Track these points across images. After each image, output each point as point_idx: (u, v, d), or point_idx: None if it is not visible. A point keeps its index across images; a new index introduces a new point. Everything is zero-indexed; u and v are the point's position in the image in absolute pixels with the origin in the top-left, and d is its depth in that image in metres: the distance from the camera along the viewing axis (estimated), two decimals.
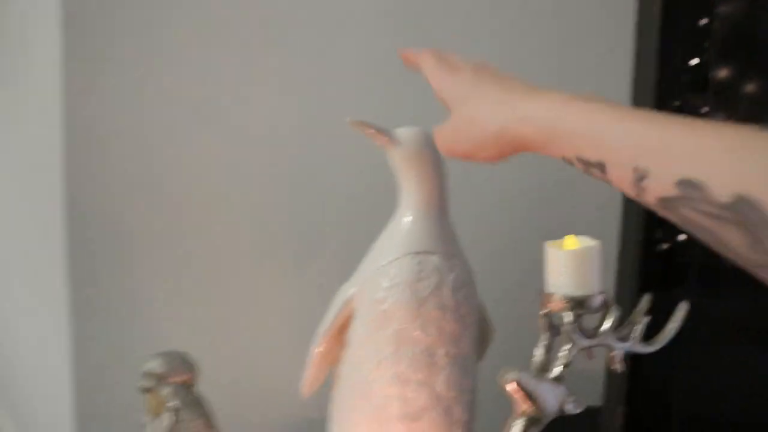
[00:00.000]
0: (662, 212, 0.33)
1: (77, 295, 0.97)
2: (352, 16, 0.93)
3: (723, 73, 0.59)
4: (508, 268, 0.91)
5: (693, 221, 0.31)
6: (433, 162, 0.60)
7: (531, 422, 0.47)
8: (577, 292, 0.47)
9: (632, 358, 0.61)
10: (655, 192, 0.32)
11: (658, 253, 0.60)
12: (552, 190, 0.90)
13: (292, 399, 0.93)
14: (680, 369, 0.62)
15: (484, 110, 0.43)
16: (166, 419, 0.67)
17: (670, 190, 0.31)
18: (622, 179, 0.34)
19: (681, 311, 0.51)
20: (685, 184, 0.30)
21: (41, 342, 1.18)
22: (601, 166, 0.35)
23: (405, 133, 0.59)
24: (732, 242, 0.30)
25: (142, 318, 0.97)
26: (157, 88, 0.92)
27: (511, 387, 0.46)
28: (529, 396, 0.46)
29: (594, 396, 0.74)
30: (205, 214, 0.94)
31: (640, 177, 0.33)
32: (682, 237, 0.61)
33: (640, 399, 0.62)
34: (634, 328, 0.49)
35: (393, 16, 0.93)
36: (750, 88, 0.59)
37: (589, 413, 0.72)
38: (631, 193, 0.34)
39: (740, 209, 0.28)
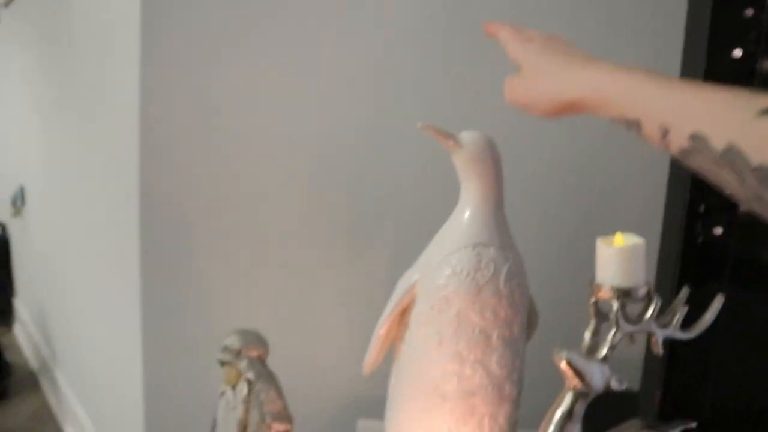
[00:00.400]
0: (684, 162, 0.40)
1: (148, 284, 1.06)
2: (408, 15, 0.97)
3: None
4: (554, 260, 0.96)
5: (702, 168, 0.39)
6: (493, 163, 0.66)
7: (579, 396, 0.53)
8: (624, 284, 0.53)
9: (670, 346, 0.66)
10: (675, 144, 0.40)
11: (697, 248, 0.65)
12: (602, 188, 0.95)
13: (349, 376, 1.01)
14: (714, 357, 0.67)
15: (549, 71, 0.50)
16: (243, 389, 0.74)
17: (685, 143, 0.39)
18: (652, 135, 0.42)
19: (717, 303, 0.56)
20: (695, 137, 0.38)
21: (115, 331, 1.27)
22: (638, 125, 0.43)
23: (468, 136, 0.66)
24: (728, 183, 0.38)
25: (207, 305, 1.05)
26: (221, 91, 0.99)
27: (563, 364, 0.52)
28: (578, 373, 0.52)
29: (633, 381, 0.79)
30: (269, 205, 1.02)
31: (664, 132, 0.41)
32: (718, 232, 0.65)
33: (675, 384, 0.67)
34: (674, 316, 0.55)
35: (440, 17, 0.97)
36: None
37: (628, 396, 0.78)
38: (660, 146, 0.42)
39: (729, 156, 0.36)
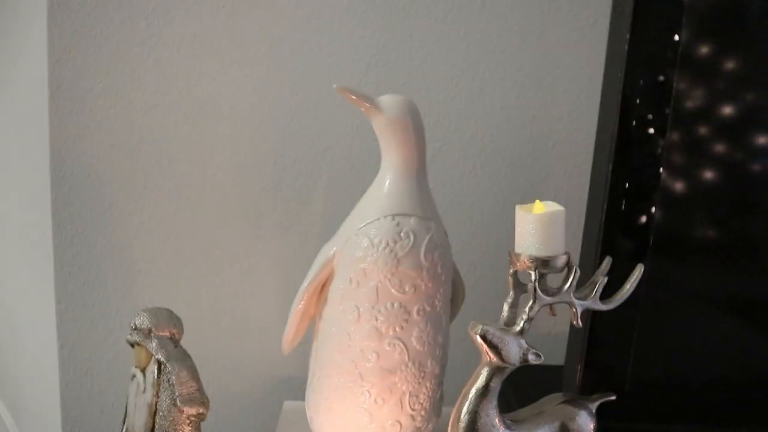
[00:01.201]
0: None
1: (61, 254, 0.99)
2: None
3: (700, 49, 0.61)
4: (482, 233, 0.95)
5: None
6: (414, 129, 0.63)
7: (495, 370, 0.51)
8: (542, 253, 0.51)
9: (591, 320, 0.65)
10: None
11: (620, 220, 0.64)
12: (526, 159, 0.94)
13: (274, 356, 0.97)
14: (636, 331, 0.66)
15: None
16: (154, 371, 0.70)
17: None
18: None
19: (637, 273, 0.55)
20: None
21: (28, 300, 1.20)
22: None
23: (387, 100, 0.62)
24: None
25: (125, 276, 1.00)
26: (140, 44, 0.93)
27: (477, 337, 0.50)
28: (494, 347, 0.50)
29: (561, 356, 0.79)
30: (190, 174, 0.96)
31: None
32: (644, 207, 0.64)
33: (597, 358, 0.67)
34: (593, 287, 0.54)
35: None
36: (729, 65, 0.61)
37: (556, 371, 0.77)
38: None
39: None
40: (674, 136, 0.61)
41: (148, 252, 0.98)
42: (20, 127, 1.13)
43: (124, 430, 0.73)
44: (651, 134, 0.61)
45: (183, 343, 0.72)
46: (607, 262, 0.57)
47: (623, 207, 0.63)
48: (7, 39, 1.15)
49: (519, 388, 0.75)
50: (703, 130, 0.62)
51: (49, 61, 0.93)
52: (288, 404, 0.86)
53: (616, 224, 0.64)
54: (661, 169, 0.61)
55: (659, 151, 0.61)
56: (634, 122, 0.61)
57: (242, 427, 1.02)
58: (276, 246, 0.96)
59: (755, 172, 0.63)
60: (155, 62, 0.93)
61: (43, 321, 1.08)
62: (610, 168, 0.61)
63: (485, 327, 0.50)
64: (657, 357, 0.67)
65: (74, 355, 1.04)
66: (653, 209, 0.64)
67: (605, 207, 0.61)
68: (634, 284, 0.55)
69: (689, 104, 0.61)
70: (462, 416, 0.50)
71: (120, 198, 0.97)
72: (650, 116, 0.61)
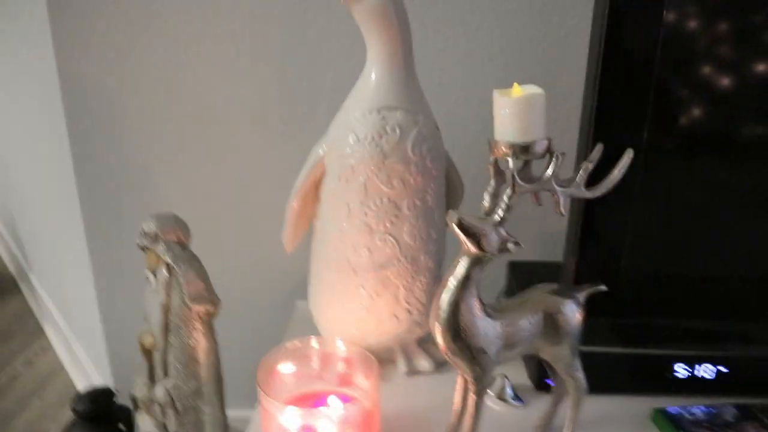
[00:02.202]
0: None
1: (81, 167, 1.02)
2: None
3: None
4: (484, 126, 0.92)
5: None
6: (397, 17, 0.60)
7: (475, 260, 0.51)
8: (521, 139, 0.49)
9: (585, 213, 0.64)
10: None
11: (613, 106, 0.60)
12: (536, 48, 0.89)
13: (286, 259, 1.00)
14: (630, 224, 0.64)
15: None
16: (163, 273, 0.73)
17: None
18: None
19: (625, 158, 0.52)
20: None
21: (64, 232, 1.25)
22: None
23: None
24: None
25: (142, 188, 1.02)
26: None
27: (454, 226, 0.49)
28: (472, 235, 0.49)
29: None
30: (197, 83, 0.96)
31: None
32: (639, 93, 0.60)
33: (590, 251, 0.65)
34: (577, 174, 0.52)
35: None
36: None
37: (558, 267, 0.76)
38: None
39: None
40: (671, 17, 0.57)
41: (162, 164, 1.00)
42: (25, 47, 1.14)
43: (146, 328, 0.77)
44: (647, 13, 0.57)
45: (199, 247, 0.74)
46: (597, 149, 0.54)
47: (616, 93, 0.60)
48: None
49: (526, 285, 0.75)
50: (703, 10, 0.58)
51: None
52: (300, 303, 0.89)
53: (608, 111, 0.60)
54: (658, 52, 0.57)
55: (656, 33, 0.57)
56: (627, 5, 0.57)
57: (258, 327, 1.07)
58: (283, 151, 0.96)
59: (758, 57, 0.59)
60: None
61: (74, 232, 1.14)
62: (602, 50, 0.57)
63: (462, 216, 0.49)
64: (651, 251, 0.65)
65: (105, 264, 1.09)
66: (649, 95, 0.60)
67: (597, 93, 0.58)
68: (623, 170, 0.52)
69: None
70: (442, 306, 0.50)
71: (130, 112, 0.98)
72: None
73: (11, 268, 2.22)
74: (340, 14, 0.89)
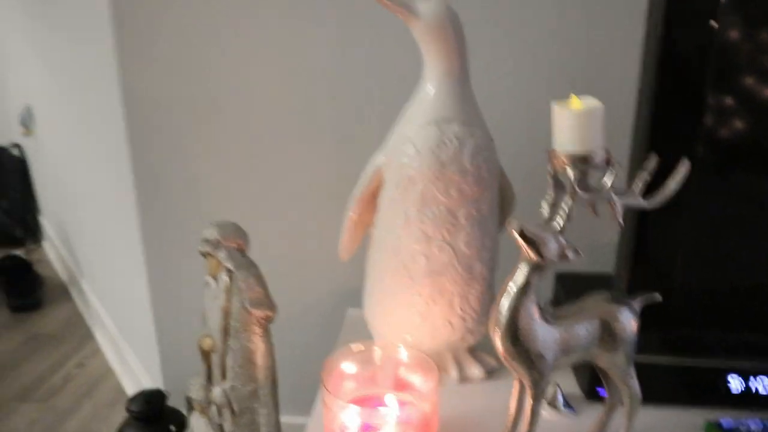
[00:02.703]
0: None
1: (142, 192, 1.07)
2: None
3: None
4: (535, 136, 0.93)
5: None
6: (454, 34, 0.62)
7: (535, 267, 0.52)
8: (580, 150, 0.51)
9: (639, 224, 0.64)
10: None
11: (669, 118, 0.61)
12: (582, 58, 0.90)
13: (339, 267, 1.02)
14: (685, 236, 0.65)
15: None
16: (224, 278, 0.76)
17: None
18: None
19: (682, 169, 0.53)
20: None
21: (120, 239, 1.30)
22: None
23: (426, 6, 0.62)
24: None
25: (200, 199, 1.06)
26: None
27: (515, 234, 0.51)
28: (532, 243, 0.51)
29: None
30: (251, 100, 1.00)
31: None
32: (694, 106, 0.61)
33: (644, 263, 0.66)
34: (635, 183, 0.53)
35: None
36: None
37: (605, 279, 0.77)
38: None
39: None
40: (723, 29, 0.58)
41: (218, 174, 1.04)
42: (89, 62, 1.19)
43: (204, 332, 0.80)
44: (700, 24, 0.58)
45: (254, 255, 0.77)
46: (653, 159, 0.56)
47: (671, 104, 0.61)
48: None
49: (573, 296, 0.75)
50: (757, 28, 0.58)
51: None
52: (351, 311, 0.91)
53: (662, 122, 0.61)
54: (711, 63, 0.58)
55: (708, 44, 0.58)
56: (682, 13, 0.58)
57: (310, 333, 1.09)
58: (335, 161, 0.99)
59: None
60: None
61: (130, 240, 1.18)
62: (656, 61, 0.58)
63: (523, 224, 0.51)
64: (704, 263, 0.65)
65: (161, 271, 1.13)
66: (703, 106, 0.61)
67: (652, 104, 0.59)
68: (679, 181, 0.53)
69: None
70: (502, 311, 0.52)
71: (186, 124, 1.02)
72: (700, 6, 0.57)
73: (62, 274, 2.29)
74: (390, 26, 0.91)
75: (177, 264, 1.12)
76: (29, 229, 2.55)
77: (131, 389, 1.48)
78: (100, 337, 1.81)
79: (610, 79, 0.90)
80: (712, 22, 0.58)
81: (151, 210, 1.08)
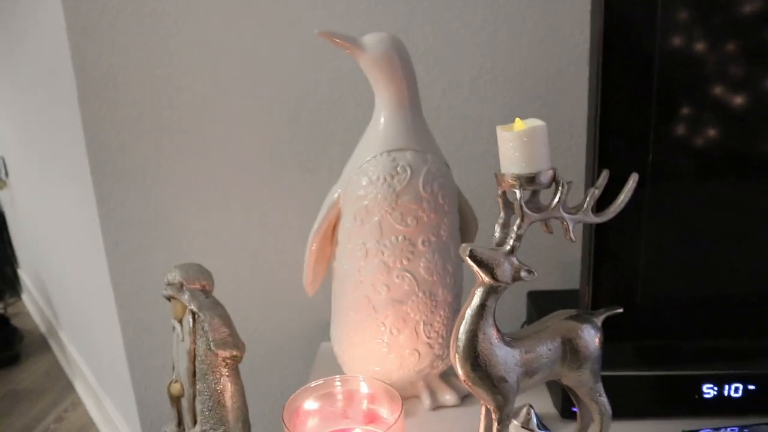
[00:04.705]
0: None
1: (106, 222, 1.06)
2: None
3: None
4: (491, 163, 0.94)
5: None
6: (401, 64, 0.63)
7: (490, 290, 0.52)
8: (525, 170, 0.51)
9: (596, 239, 0.65)
10: None
11: (619, 136, 0.62)
12: (537, 85, 0.92)
13: (310, 301, 1.01)
14: (644, 247, 0.65)
15: None
16: (189, 321, 0.75)
17: None
18: None
19: (631, 182, 0.54)
20: None
21: (86, 268, 1.28)
22: None
23: (370, 39, 0.62)
24: None
25: (166, 238, 1.05)
26: (150, 15, 0.95)
27: (467, 257, 0.51)
28: (485, 266, 0.51)
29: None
30: (212, 134, 1.00)
31: None
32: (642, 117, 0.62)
33: (605, 277, 0.66)
34: (584, 201, 0.53)
35: None
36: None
37: (574, 295, 0.77)
38: None
39: None
40: (666, 38, 0.59)
41: (184, 214, 1.03)
42: (51, 107, 1.19)
43: (174, 377, 0.79)
44: (644, 37, 0.59)
45: (224, 296, 0.76)
46: (603, 175, 0.56)
47: (618, 118, 0.61)
48: (24, 27, 1.20)
49: (544, 313, 0.75)
50: (703, 32, 0.59)
51: (70, 44, 0.97)
52: (325, 345, 0.90)
53: (612, 137, 0.62)
54: (655, 74, 0.59)
55: (652, 55, 0.59)
56: (624, 26, 0.59)
57: (285, 370, 1.08)
58: (301, 197, 0.99)
59: (760, 72, 0.60)
60: (164, 33, 0.95)
61: (101, 287, 1.17)
62: (600, 78, 0.59)
63: (473, 248, 0.51)
64: (667, 272, 0.66)
65: (132, 317, 1.11)
66: (650, 118, 0.61)
67: (599, 120, 0.60)
68: (629, 194, 0.54)
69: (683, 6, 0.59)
70: (459, 336, 0.52)
71: (152, 165, 1.02)
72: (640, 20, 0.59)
73: (41, 326, 2.26)
74: (347, 63, 0.92)
75: (148, 309, 1.10)
76: (8, 282, 2.52)
77: None
78: (80, 388, 1.78)
79: (569, 98, 0.92)
80: (653, 42, 0.59)
81: (119, 255, 1.07)
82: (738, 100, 0.61)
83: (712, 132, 0.63)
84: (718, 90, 0.61)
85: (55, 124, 1.24)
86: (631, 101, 0.61)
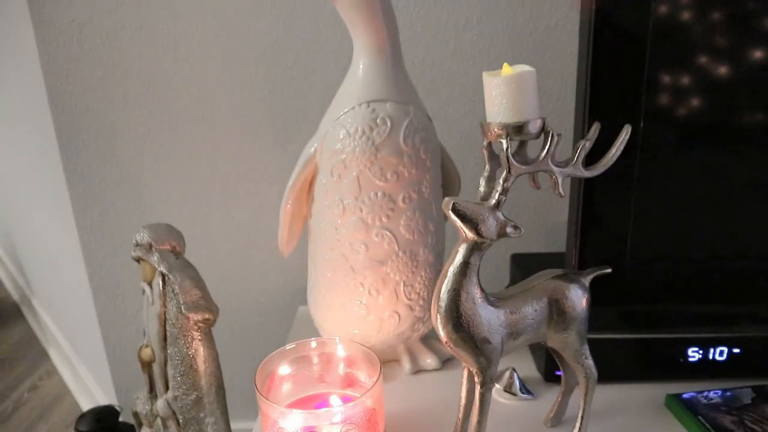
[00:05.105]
0: None
1: (75, 188, 1.01)
2: None
3: None
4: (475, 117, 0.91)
5: None
6: (381, 6, 0.59)
7: (473, 246, 0.49)
8: (513, 119, 0.48)
9: (585, 197, 0.62)
10: None
11: (611, 87, 0.59)
12: (527, 40, 0.88)
13: (286, 265, 0.98)
14: (634, 209, 0.63)
15: None
16: (159, 283, 0.71)
17: None
18: None
19: (623, 135, 0.51)
20: None
21: (54, 233, 1.24)
22: None
23: None
24: None
25: (137, 202, 1.01)
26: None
27: (450, 213, 0.48)
28: (469, 220, 0.48)
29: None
30: (184, 95, 0.95)
31: None
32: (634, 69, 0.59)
33: (593, 237, 0.64)
34: (575, 154, 0.50)
35: None
36: None
37: (560, 258, 0.75)
38: None
39: None
40: (665, 8, 0.56)
41: (155, 175, 0.99)
42: (12, 64, 1.13)
43: (144, 341, 0.76)
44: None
45: (198, 258, 0.72)
46: (595, 127, 0.53)
47: (611, 73, 0.58)
48: None
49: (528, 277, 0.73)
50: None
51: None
52: (302, 309, 0.87)
53: (604, 91, 0.59)
54: (650, 33, 0.56)
55: (647, 14, 0.56)
56: None
57: (260, 334, 1.05)
58: (276, 154, 0.95)
59: (752, 43, 0.58)
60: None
61: (71, 253, 1.12)
62: (592, 30, 0.56)
63: (456, 202, 0.48)
64: (655, 235, 0.63)
65: (104, 283, 1.08)
66: (644, 71, 0.58)
67: (590, 73, 0.57)
68: (621, 147, 0.51)
69: None
70: (441, 295, 0.49)
71: (120, 126, 0.97)
72: None
73: (14, 294, 2.21)
74: (327, 11, 0.88)
75: (120, 274, 1.06)
76: None
77: (88, 408, 1.42)
78: (54, 356, 1.74)
79: (556, 55, 0.89)
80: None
81: (89, 221, 1.03)
82: (726, 67, 0.58)
83: (702, 97, 0.60)
84: (708, 56, 0.58)
85: (17, 85, 1.18)
86: (624, 58, 0.58)
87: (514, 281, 0.85)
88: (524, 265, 0.82)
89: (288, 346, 0.58)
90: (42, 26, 0.92)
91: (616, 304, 0.67)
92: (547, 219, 0.95)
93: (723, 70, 0.59)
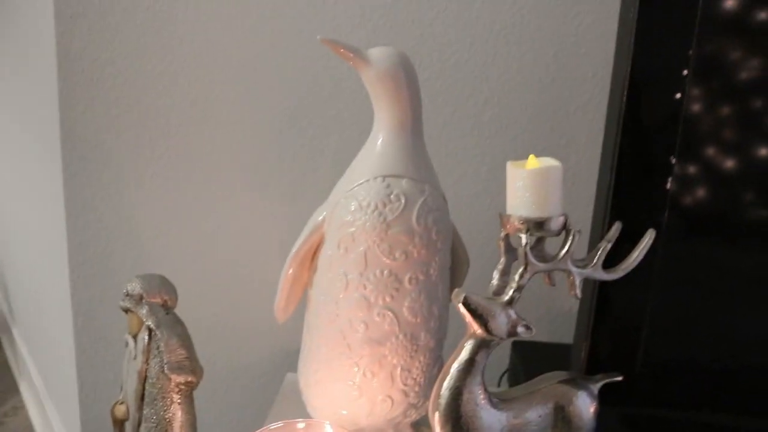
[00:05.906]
0: None
1: (73, 223, 0.99)
2: None
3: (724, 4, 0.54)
4: (497, 203, 0.89)
5: None
6: (407, 83, 0.58)
7: (481, 343, 0.46)
8: (535, 214, 0.46)
9: (600, 293, 0.60)
10: None
11: (634, 188, 0.58)
12: (545, 125, 0.88)
13: (280, 328, 0.95)
14: (649, 307, 0.60)
15: None
16: (144, 338, 0.68)
17: None
18: None
19: (646, 239, 0.49)
20: None
21: (43, 262, 1.20)
22: None
23: (377, 52, 0.58)
24: None
25: (134, 246, 0.99)
26: (144, 11, 0.90)
27: (460, 306, 0.45)
28: (479, 316, 0.45)
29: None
30: (196, 143, 0.94)
31: None
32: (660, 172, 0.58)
33: (604, 335, 0.61)
34: (595, 254, 0.48)
35: None
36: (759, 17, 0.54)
37: (566, 349, 0.72)
38: None
39: None
40: (692, 96, 0.55)
41: (156, 221, 0.97)
42: (30, 98, 1.13)
43: (120, 397, 0.72)
44: (667, 92, 0.55)
45: (188, 312, 0.69)
46: (616, 227, 0.51)
47: (635, 170, 0.57)
48: (14, 10, 1.14)
49: (531, 367, 0.70)
50: (726, 91, 0.55)
51: (56, 32, 0.91)
52: (290, 376, 0.84)
53: (627, 189, 0.58)
54: (680, 129, 0.55)
55: (678, 112, 0.55)
56: (647, 82, 0.55)
57: (245, 398, 1.00)
58: (284, 214, 0.93)
59: None
60: (159, 29, 0.90)
61: (59, 288, 1.09)
62: (621, 125, 0.54)
63: (468, 295, 0.45)
64: (670, 338, 0.61)
65: (88, 325, 1.04)
66: (670, 175, 0.57)
67: (615, 170, 0.55)
68: (643, 252, 0.49)
69: (711, 64, 0.55)
70: (442, 392, 0.46)
71: (127, 167, 0.96)
72: (665, 76, 0.54)
73: None
74: (348, 76, 0.88)
75: (108, 317, 1.03)
76: None
77: None
78: (25, 391, 1.68)
79: (574, 142, 0.88)
80: (677, 95, 0.55)
81: (83, 259, 1.00)
82: (755, 163, 0.57)
83: (728, 196, 0.58)
84: (738, 153, 0.57)
85: (30, 116, 1.18)
86: (650, 154, 0.56)
87: (513, 371, 0.81)
88: (525, 353, 0.79)
89: (273, 426, 0.55)
90: (66, 63, 0.92)
91: (623, 406, 0.63)
92: (551, 308, 0.93)
93: (750, 166, 0.57)
